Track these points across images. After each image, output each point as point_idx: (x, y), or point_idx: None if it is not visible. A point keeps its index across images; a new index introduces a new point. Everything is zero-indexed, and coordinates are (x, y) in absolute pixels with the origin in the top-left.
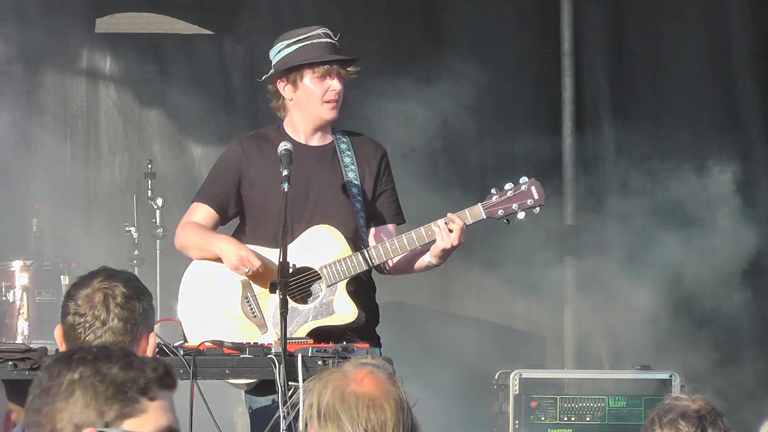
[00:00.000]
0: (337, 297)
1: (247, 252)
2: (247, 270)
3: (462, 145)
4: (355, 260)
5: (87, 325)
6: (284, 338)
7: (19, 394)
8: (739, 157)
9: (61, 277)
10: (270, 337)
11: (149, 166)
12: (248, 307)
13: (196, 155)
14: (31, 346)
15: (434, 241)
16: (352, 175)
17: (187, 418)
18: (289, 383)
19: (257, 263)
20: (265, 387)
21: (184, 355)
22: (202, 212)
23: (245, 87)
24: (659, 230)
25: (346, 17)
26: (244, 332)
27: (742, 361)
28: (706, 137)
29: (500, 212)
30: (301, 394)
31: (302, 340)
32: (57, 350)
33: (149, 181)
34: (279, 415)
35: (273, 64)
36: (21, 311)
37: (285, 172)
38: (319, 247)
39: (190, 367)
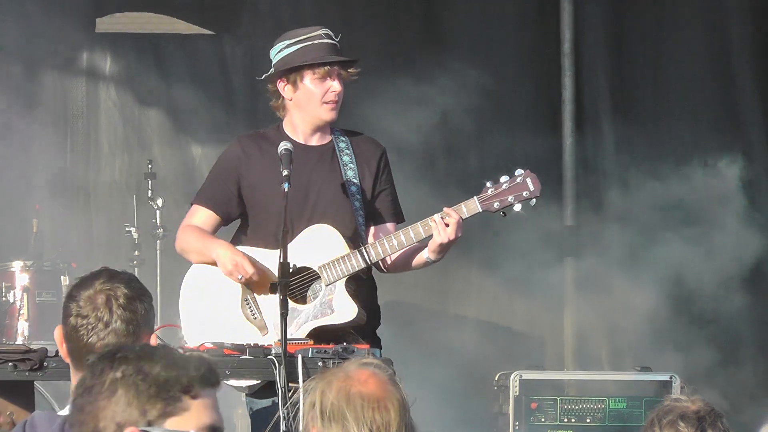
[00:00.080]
0: (336, 296)
1: (242, 258)
2: (240, 276)
3: (462, 145)
4: (353, 258)
5: (90, 326)
6: (284, 339)
7: (19, 395)
8: (739, 157)
9: (62, 277)
10: (271, 339)
11: (149, 166)
12: (248, 309)
13: (197, 155)
14: (31, 346)
15: (432, 236)
16: (351, 174)
17: None
18: (289, 384)
19: (251, 270)
20: (265, 389)
21: None
22: (202, 215)
23: (245, 87)
24: (659, 230)
25: (346, 17)
26: (245, 334)
27: (743, 362)
28: (706, 137)
29: (496, 205)
30: (301, 395)
31: (302, 341)
32: (57, 351)
33: (149, 182)
34: (279, 416)
35: (273, 63)
36: (21, 312)
37: (285, 172)
38: (318, 246)
39: None
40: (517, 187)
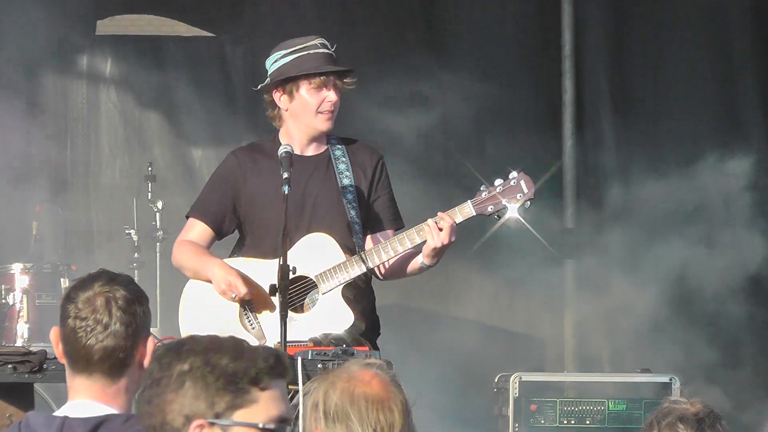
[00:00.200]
0: (333, 304)
1: (235, 278)
2: (234, 296)
3: (462, 147)
4: (350, 266)
5: (89, 329)
6: (284, 339)
7: (19, 397)
8: (739, 157)
9: (61, 280)
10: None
11: (149, 168)
12: (246, 320)
13: (197, 157)
14: (31, 349)
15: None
16: (347, 181)
17: None
18: (289, 387)
19: (243, 290)
20: None
21: None
22: (198, 229)
23: (246, 89)
24: (660, 231)
25: (346, 18)
26: None
27: (743, 363)
28: (707, 137)
29: (490, 208)
30: (301, 396)
31: (302, 343)
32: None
33: (149, 184)
34: None
35: (269, 73)
36: (21, 314)
37: (285, 175)
38: (315, 254)
39: None
40: (510, 190)
